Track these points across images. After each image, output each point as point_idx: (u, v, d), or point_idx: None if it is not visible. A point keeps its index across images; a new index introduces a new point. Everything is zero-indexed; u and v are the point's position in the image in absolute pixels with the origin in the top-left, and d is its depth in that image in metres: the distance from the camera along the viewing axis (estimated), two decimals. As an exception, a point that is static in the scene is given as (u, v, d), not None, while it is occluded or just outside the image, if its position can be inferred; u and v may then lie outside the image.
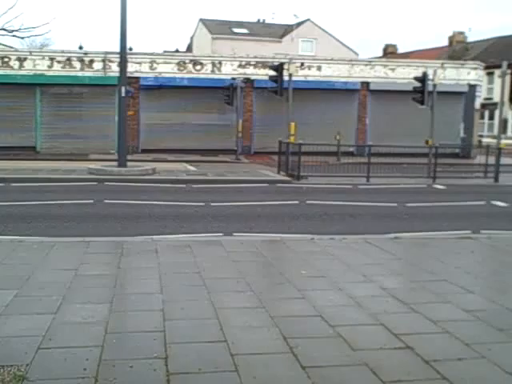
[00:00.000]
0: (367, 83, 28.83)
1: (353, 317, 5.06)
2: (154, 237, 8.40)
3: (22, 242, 7.84)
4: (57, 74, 26.41)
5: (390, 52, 57.92)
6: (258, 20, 58.35)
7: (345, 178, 18.19)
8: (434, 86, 20.44)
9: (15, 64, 26.33)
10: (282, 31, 52.79)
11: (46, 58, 26.71)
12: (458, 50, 47.59)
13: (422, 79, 20.39)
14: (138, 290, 5.71)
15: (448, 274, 6.58)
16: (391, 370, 4.01)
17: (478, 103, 30.93)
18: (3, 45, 33.30)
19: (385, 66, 29.82)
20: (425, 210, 12.79)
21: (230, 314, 5.01)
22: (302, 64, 27.76)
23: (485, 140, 33.06)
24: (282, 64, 21.97)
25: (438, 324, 4.89)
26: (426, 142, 20.27)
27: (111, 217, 10.74)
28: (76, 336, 4.47)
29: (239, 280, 6.10)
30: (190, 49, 55.63)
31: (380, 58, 51.50)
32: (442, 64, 29.60)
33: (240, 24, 52.96)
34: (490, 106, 43.52)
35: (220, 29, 50.73)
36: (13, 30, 7.32)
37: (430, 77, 20.43)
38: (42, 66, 26.45)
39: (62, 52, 27.34)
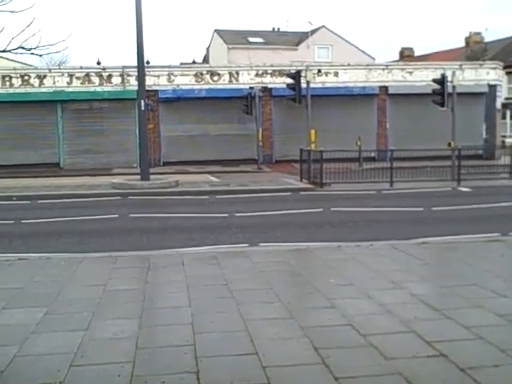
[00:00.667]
0: (385, 87, 28.71)
1: (384, 325, 5.00)
2: (180, 249, 8.42)
3: (49, 258, 7.90)
4: (76, 89, 26.76)
5: (406, 55, 57.58)
6: (273, 28, 58.41)
7: (368, 184, 18.10)
8: (454, 87, 20.28)
9: (35, 82, 26.73)
10: (297, 39, 52.80)
11: (66, 74, 27.07)
12: (475, 50, 47.15)
13: (441, 81, 20.25)
14: (166, 303, 5.71)
15: (478, 278, 6.47)
16: (426, 378, 3.94)
17: (499, 103, 30.62)
18: (23, 63, 33.81)
19: (402, 69, 29.68)
20: (451, 213, 12.65)
21: (259, 326, 4.98)
22: (319, 71, 27.74)
23: (508, 140, 32.70)
24: (299, 71, 22.00)
25: (470, 330, 4.81)
26: (449, 144, 20.09)
27: (136, 231, 10.79)
28: (107, 352, 4.48)
29: (267, 291, 6.07)
30: (206, 60, 55.89)
31: (397, 61, 51.24)
32: (461, 65, 29.38)
33: (255, 33, 53.07)
34: (511, 105, 43.02)
35: (235, 39, 50.89)
36: (31, 48, 7.48)
37: (449, 78, 20.28)
38: (61, 82, 26.82)
39: (81, 68, 27.69)
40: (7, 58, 34.12)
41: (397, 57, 59.07)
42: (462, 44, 52.95)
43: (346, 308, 5.42)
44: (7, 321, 5.26)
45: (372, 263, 7.31)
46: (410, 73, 29.09)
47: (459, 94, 20.86)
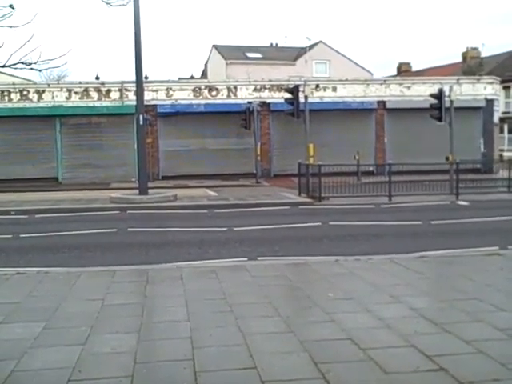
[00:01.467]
0: (383, 102, 28.83)
1: (383, 339, 4.97)
2: (179, 263, 8.41)
3: (48, 273, 7.88)
4: (75, 104, 26.84)
5: (404, 70, 57.88)
6: (271, 44, 58.76)
7: (366, 198, 18.12)
8: (451, 102, 20.37)
9: (34, 96, 26.81)
10: (295, 54, 53.10)
11: (64, 89, 27.16)
12: (472, 65, 47.41)
13: (439, 96, 20.33)
14: (165, 318, 5.69)
15: (478, 292, 6.45)
16: (426, 393, 3.93)
17: (496, 117, 30.75)
18: (22, 78, 33.92)
19: (400, 84, 29.82)
20: (450, 227, 12.65)
21: (258, 340, 4.95)
22: (317, 85, 27.86)
23: (506, 154, 32.79)
24: (297, 86, 22.09)
25: (471, 344, 4.79)
26: (447, 158, 20.14)
27: (135, 245, 10.77)
28: (105, 367, 4.45)
29: (266, 305, 6.05)
30: (204, 75, 56.11)
31: (395, 76, 51.49)
32: (458, 80, 29.53)
33: (253, 48, 53.37)
34: (509, 119, 43.17)
35: (233, 54, 51.16)
36: (31, 63, 7.50)
37: (447, 93, 20.37)
38: (60, 97, 26.89)
39: (80, 83, 27.78)
40: (6, 73, 34.25)
41: (394, 72, 59.38)
42: (459, 59, 53.25)
43: (345, 322, 5.40)
44: (5, 335, 5.22)
45: (371, 277, 7.29)
46: (408, 87, 29.22)
47: (457, 108, 20.95)
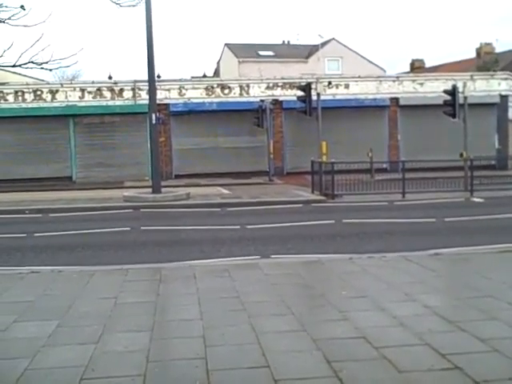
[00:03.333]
0: (396, 99, 28.67)
1: (397, 337, 4.93)
2: (192, 262, 8.41)
3: (61, 271, 7.91)
4: (88, 104, 26.95)
5: (417, 67, 57.45)
6: (283, 42, 58.64)
7: (380, 195, 18.03)
8: (465, 98, 20.20)
9: (48, 96, 26.95)
10: (307, 51, 52.96)
11: (77, 89, 27.28)
12: (487, 61, 47.00)
13: (452, 92, 20.17)
14: (177, 316, 5.68)
15: (493, 290, 6.38)
16: (441, 391, 3.89)
17: (511, 114, 30.45)
18: (35, 78, 34.13)
19: (413, 80, 29.65)
20: (464, 224, 12.55)
21: (271, 339, 4.93)
22: (330, 83, 27.75)
23: (520, 150, 32.41)
24: (309, 84, 22.04)
25: (486, 342, 4.73)
26: (461, 154, 19.99)
27: (148, 243, 10.79)
28: (118, 365, 4.45)
29: (279, 303, 6.02)
30: (217, 73, 56.14)
31: (408, 73, 51.18)
32: (472, 76, 29.30)
33: (265, 46, 53.29)
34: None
35: (246, 52, 51.12)
36: (41, 63, 7.51)
37: (460, 89, 20.20)
38: (73, 97, 27.01)
39: (93, 83, 27.89)
40: (19, 74, 34.49)
41: (407, 68, 59.01)
42: (473, 55, 52.83)
43: (358, 320, 5.36)
44: (19, 334, 5.25)
45: (384, 275, 7.25)
46: (421, 84, 29.04)
47: (471, 104, 20.78)
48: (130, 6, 9.35)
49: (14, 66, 8.37)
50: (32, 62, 8.21)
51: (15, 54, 8.42)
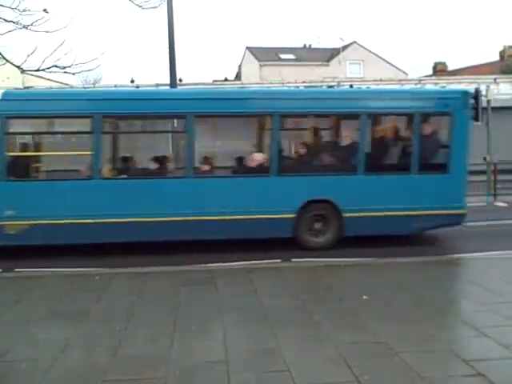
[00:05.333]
0: (419, 102, 28.44)
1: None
2: (212, 264, 8.41)
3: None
4: (111, 108, 27.08)
5: (439, 70, 56.94)
6: (304, 45, 58.59)
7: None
8: (488, 101, 19.94)
9: (71, 100, 27.16)
10: (328, 55, 52.83)
11: (100, 93, 27.46)
12: (510, 64, 46.46)
13: (475, 95, 19.88)
14: (198, 319, 5.69)
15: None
16: (464, 398, 3.84)
17: (535, 117, 30.06)
18: (59, 82, 34.49)
19: (436, 83, 29.36)
20: (487, 228, 12.38)
21: (292, 343, 4.92)
22: (351, 86, 27.59)
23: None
24: (331, 87, 21.92)
25: (510, 349, 4.67)
26: (484, 158, 19.75)
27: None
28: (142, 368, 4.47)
29: (300, 307, 6.01)
30: (238, 77, 56.24)
31: (430, 76, 50.85)
32: (495, 79, 28.94)
33: (287, 50, 53.29)
34: (548, 118, 42.19)
35: (267, 56, 51.14)
36: (65, 67, 7.61)
37: (483, 92, 19.95)
38: (96, 101, 27.20)
39: (115, 86, 28.05)
40: (44, 78, 34.89)
41: (430, 71, 58.59)
42: (497, 58, 52.29)
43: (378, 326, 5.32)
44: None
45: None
46: (444, 87, 28.78)
47: (494, 108, 20.52)
48: (151, 7, 9.42)
49: (37, 70, 8.48)
50: (55, 66, 8.31)
51: (39, 59, 8.53)
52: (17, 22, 8.38)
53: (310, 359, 4.55)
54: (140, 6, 9.18)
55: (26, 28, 8.38)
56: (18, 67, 8.70)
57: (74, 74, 8.97)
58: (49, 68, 8.35)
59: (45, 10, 8.21)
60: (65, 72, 8.52)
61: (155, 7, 9.53)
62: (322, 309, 6.03)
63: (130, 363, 4.57)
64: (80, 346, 4.99)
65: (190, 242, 9.44)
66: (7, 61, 8.75)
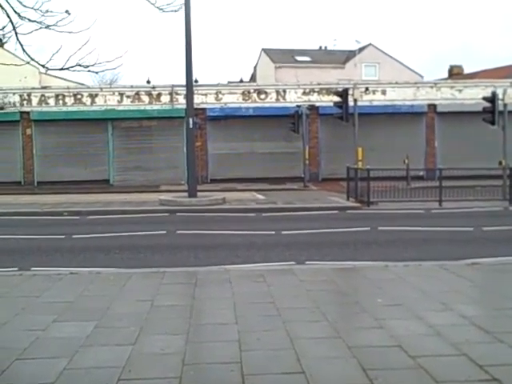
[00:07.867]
0: (434, 105, 28.39)
1: (433, 347, 4.88)
2: (227, 266, 8.46)
3: (99, 273, 8.05)
4: (127, 108, 27.37)
5: (455, 73, 56.58)
6: (320, 47, 58.50)
7: (416, 203, 17.83)
8: (505, 105, 19.87)
9: (87, 100, 27.46)
10: (344, 57, 52.73)
11: (116, 93, 27.72)
12: (527, 67, 46.10)
13: (492, 99, 19.87)
14: (213, 320, 5.73)
15: (532, 301, 6.28)
16: (478, 403, 3.84)
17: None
18: (76, 82, 34.78)
19: (451, 87, 29.29)
20: (502, 233, 12.33)
21: (306, 345, 4.94)
22: (367, 89, 27.62)
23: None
24: (346, 90, 21.94)
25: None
26: (500, 162, 19.65)
27: (184, 247, 10.88)
28: (154, 367, 4.51)
29: (314, 310, 6.02)
30: (253, 78, 56.30)
31: (446, 79, 50.55)
32: (512, 83, 28.79)
33: (302, 52, 53.26)
34: None
35: (282, 57, 51.15)
36: (88, 66, 7.70)
37: (500, 96, 19.88)
38: (112, 101, 27.46)
39: (131, 87, 28.29)
40: (61, 78, 35.20)
41: (445, 74, 58.25)
42: (514, 61, 51.87)
43: (394, 329, 5.33)
44: (57, 334, 5.36)
45: (420, 283, 7.17)
46: (460, 91, 28.68)
47: (511, 111, 20.42)
48: (172, 11, 9.49)
49: (62, 68, 8.59)
50: (79, 65, 8.41)
51: (63, 58, 8.62)
52: (40, 22, 8.47)
53: (323, 358, 4.57)
54: (161, 9, 9.26)
55: (49, 28, 8.48)
56: (43, 66, 8.81)
57: (97, 72, 9.08)
58: (73, 67, 8.45)
59: (67, 12, 8.32)
60: (88, 70, 8.63)
61: (175, 10, 9.61)
62: (335, 310, 6.05)
63: (146, 362, 4.60)
64: (96, 345, 5.02)
65: (209, 245, 9.51)
66: (32, 59, 8.86)
